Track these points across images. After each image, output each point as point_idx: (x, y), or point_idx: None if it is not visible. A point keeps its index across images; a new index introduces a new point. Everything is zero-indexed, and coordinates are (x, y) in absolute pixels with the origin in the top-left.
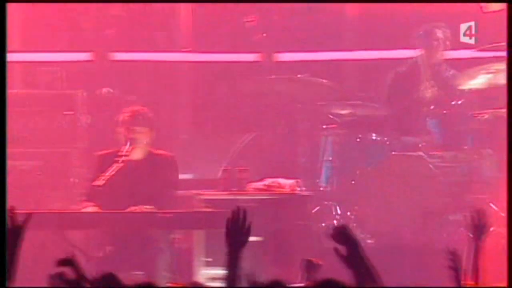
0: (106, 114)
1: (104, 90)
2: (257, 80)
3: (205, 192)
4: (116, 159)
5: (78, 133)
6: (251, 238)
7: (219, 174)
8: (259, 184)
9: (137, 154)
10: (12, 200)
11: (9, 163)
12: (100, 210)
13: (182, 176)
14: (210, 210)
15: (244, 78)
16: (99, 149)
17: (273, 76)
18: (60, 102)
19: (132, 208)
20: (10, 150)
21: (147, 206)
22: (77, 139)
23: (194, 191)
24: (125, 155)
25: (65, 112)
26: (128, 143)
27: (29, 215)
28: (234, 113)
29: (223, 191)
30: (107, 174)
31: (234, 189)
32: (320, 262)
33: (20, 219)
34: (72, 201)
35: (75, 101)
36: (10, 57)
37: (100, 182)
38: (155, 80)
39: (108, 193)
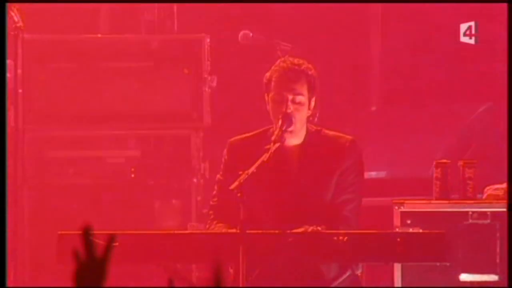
0: (248, 72)
1: (242, 33)
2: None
3: (407, 200)
4: (262, 146)
5: (201, 103)
6: (483, 278)
7: (430, 170)
8: (497, 188)
9: (296, 137)
10: (92, 215)
11: (90, 153)
12: (236, 231)
13: (368, 174)
14: (415, 231)
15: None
16: (234, 131)
17: None
18: (170, 54)
19: (290, 228)
20: (89, 132)
21: (320, 227)
22: (198, 114)
23: (388, 199)
24: (276, 140)
25: (181, 71)
26: (281, 120)
27: (113, 239)
28: (452, 69)
29: (437, 198)
30: (248, 171)
31: (455, 196)
32: None
33: (102, 246)
34: (192, 217)
35: (196, 52)
36: None
37: (236, 184)
38: (323, 18)
39: (250, 202)
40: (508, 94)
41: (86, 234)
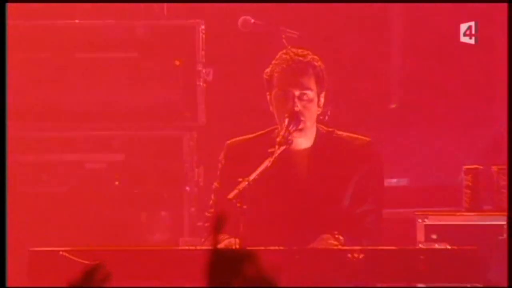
0: (249, 64)
1: (242, 19)
2: None
3: (432, 212)
4: (265, 150)
5: (195, 100)
6: None
7: (459, 177)
8: None
9: (305, 138)
10: (69, 228)
11: (66, 157)
12: (235, 246)
13: (387, 182)
14: (441, 247)
15: None
16: (232, 132)
17: None
18: (159, 43)
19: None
20: (65, 133)
21: (336, 238)
22: (192, 112)
23: (410, 210)
24: (282, 142)
25: (171, 62)
26: (287, 119)
27: (102, 262)
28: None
29: (467, 209)
30: (248, 178)
31: (488, 207)
32: None
33: (88, 266)
34: (184, 231)
35: (188, 40)
36: None
37: (235, 193)
38: (336, 7)
39: (252, 214)
40: (508, 94)
41: (92, 272)
